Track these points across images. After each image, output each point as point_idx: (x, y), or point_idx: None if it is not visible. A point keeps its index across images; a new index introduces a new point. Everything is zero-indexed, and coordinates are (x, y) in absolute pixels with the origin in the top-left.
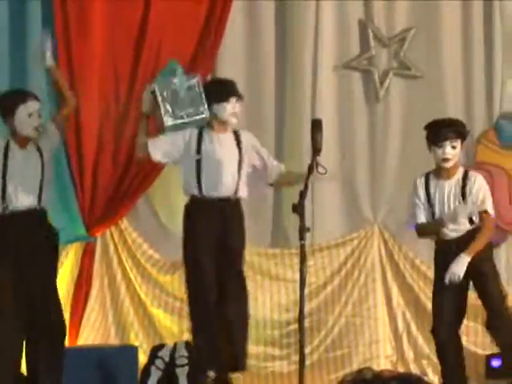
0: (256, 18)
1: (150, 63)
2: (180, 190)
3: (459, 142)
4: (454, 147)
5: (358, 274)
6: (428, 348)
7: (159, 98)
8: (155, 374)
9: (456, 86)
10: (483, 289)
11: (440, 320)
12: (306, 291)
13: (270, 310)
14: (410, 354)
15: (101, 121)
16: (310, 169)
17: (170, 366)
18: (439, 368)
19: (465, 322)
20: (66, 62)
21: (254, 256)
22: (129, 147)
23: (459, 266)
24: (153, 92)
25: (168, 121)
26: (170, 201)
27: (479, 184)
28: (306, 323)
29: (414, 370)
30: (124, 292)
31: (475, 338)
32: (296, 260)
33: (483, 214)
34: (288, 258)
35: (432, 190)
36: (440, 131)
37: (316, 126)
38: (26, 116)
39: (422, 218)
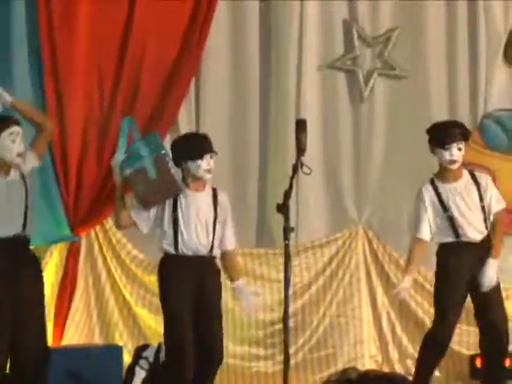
0: (240, 17)
1: (134, 63)
2: None
3: (463, 143)
4: (459, 149)
5: (343, 274)
6: (413, 348)
7: (130, 181)
8: (140, 374)
9: (440, 86)
10: (485, 303)
11: (448, 324)
12: (291, 291)
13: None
14: (394, 354)
15: (85, 121)
16: (295, 169)
17: (155, 366)
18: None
19: None
20: (51, 62)
21: (238, 256)
22: (113, 147)
23: (492, 272)
24: (123, 176)
25: (141, 202)
26: None
27: (490, 185)
28: (291, 323)
29: (399, 369)
30: (109, 292)
31: (459, 337)
32: (280, 260)
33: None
34: (272, 258)
35: (444, 195)
36: (446, 133)
37: (300, 125)
38: (10, 142)
39: (426, 233)
